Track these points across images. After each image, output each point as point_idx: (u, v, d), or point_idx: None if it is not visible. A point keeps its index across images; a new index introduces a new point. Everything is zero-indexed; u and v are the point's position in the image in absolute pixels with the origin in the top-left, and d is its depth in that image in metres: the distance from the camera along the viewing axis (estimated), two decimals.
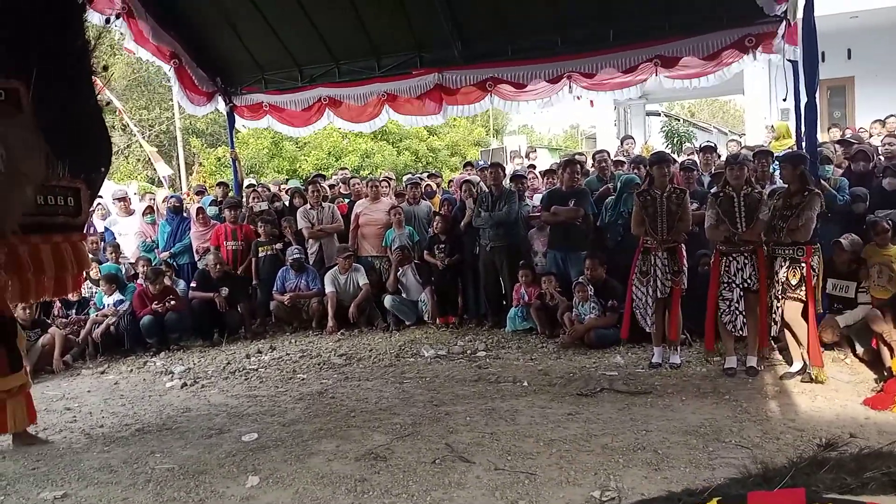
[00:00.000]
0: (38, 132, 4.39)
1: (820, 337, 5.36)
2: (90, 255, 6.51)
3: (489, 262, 7.76)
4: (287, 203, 9.58)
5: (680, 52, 7.48)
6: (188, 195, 12.96)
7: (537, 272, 7.54)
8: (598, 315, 6.73)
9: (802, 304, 5.22)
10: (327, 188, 9.81)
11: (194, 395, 5.95)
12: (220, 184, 10.86)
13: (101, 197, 9.69)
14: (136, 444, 4.62)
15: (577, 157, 9.26)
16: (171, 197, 9.90)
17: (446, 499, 3.45)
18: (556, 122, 44.67)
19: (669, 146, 17.12)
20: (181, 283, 8.63)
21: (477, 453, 4.00)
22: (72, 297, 7.60)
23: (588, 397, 5.10)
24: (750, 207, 5.43)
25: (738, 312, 5.47)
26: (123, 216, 9.65)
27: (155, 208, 9.66)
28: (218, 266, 8.30)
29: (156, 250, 9.19)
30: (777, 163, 6.65)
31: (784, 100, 7.09)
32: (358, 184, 10.17)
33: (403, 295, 8.28)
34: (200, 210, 9.14)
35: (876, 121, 10.19)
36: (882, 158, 7.28)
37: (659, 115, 22.06)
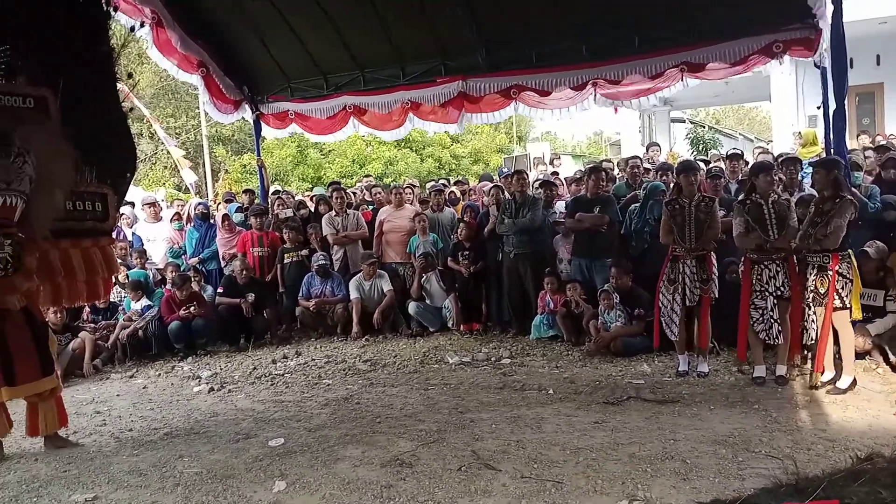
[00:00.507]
0: (67, 139, 4.49)
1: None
2: (118, 261, 6.60)
3: (513, 268, 7.73)
4: (312, 210, 9.65)
5: (707, 58, 7.44)
6: (215, 202, 13.11)
7: (562, 279, 7.51)
8: (625, 323, 6.69)
9: (848, 312, 5.14)
10: (352, 195, 9.86)
11: (221, 400, 6.00)
12: (246, 191, 10.97)
13: (128, 204, 9.86)
14: (165, 448, 4.65)
15: (604, 163, 9.22)
16: (199, 204, 10.02)
17: None
18: (579, 129, 44.77)
19: (695, 153, 17.00)
20: (209, 289, 8.72)
21: (503, 461, 3.97)
22: (99, 303, 7.70)
23: (615, 405, 5.05)
24: (780, 215, 5.37)
25: (772, 321, 5.40)
26: (152, 222, 9.80)
27: (183, 215, 9.78)
28: (244, 272, 8.37)
29: (183, 256, 9.31)
30: (806, 169, 6.57)
31: (818, 108, 7.00)
32: (379, 193, 10.23)
33: (428, 301, 8.30)
34: (226, 217, 9.25)
35: None
36: None
37: (683, 121, 21.90)
